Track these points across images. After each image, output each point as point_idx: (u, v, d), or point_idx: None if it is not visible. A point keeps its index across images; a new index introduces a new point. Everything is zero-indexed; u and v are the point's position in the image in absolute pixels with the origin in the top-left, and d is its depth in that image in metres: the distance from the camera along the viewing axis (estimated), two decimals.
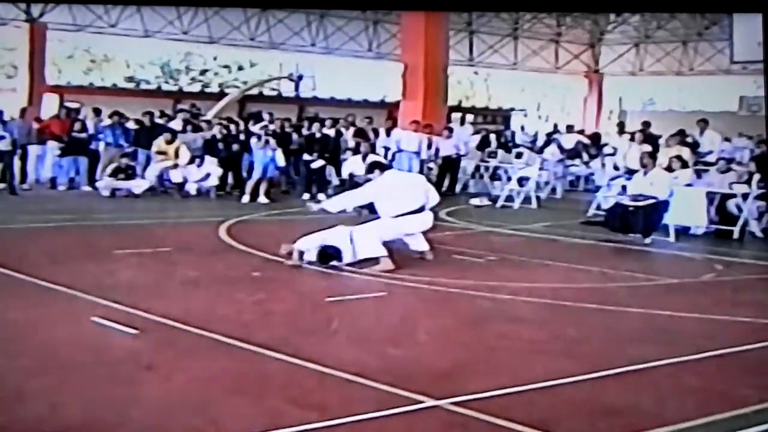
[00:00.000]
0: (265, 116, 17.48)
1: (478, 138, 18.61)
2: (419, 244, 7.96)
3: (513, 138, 20.07)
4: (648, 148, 12.81)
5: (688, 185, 11.16)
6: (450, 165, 16.61)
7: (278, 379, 4.33)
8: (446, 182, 16.46)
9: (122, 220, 10.74)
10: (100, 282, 6.46)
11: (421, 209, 7.82)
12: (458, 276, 7.26)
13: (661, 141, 14.12)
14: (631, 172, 11.90)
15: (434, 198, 8.09)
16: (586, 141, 19.04)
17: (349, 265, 7.50)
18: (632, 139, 14.31)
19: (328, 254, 7.48)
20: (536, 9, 18.69)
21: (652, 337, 5.46)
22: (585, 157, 18.32)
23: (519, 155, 16.73)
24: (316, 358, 4.53)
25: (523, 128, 21.62)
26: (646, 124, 15.89)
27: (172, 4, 19.48)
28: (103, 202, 12.83)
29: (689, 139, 14.30)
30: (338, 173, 15.04)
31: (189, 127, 15.39)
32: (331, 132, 15.88)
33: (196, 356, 4.65)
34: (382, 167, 8.16)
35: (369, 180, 8.21)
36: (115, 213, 11.36)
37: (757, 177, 11.05)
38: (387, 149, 16.58)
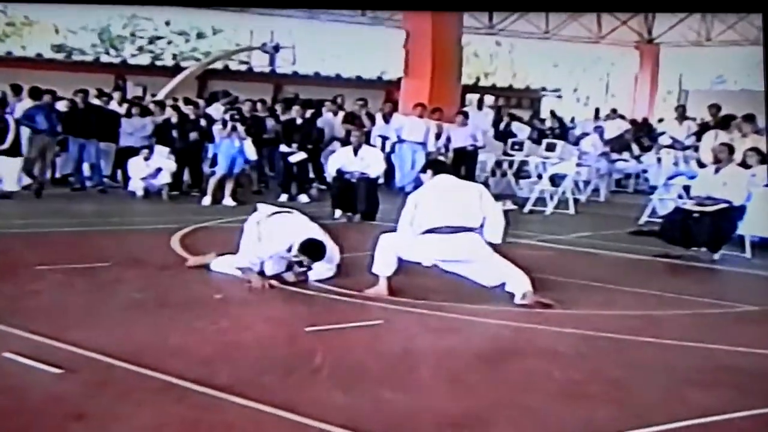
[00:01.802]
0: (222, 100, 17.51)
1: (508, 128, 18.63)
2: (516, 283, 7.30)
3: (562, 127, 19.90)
4: (724, 137, 12.81)
5: None
6: (464, 159, 16.64)
7: (245, 431, 4.28)
8: None
9: (47, 227, 10.71)
10: (16, 307, 6.41)
11: (459, 230, 7.33)
12: (473, 300, 7.21)
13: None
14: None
15: (495, 221, 7.45)
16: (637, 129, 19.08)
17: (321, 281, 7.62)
18: (724, 127, 14.28)
19: (317, 247, 7.56)
20: (538, 8, 18.83)
21: (721, 380, 5.43)
22: (635, 149, 18.36)
23: (551, 147, 16.76)
24: (293, 405, 4.49)
25: (553, 114, 21.70)
26: (715, 108, 15.89)
27: (175, 4, 19.72)
28: (22, 203, 12.80)
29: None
30: (318, 169, 15.07)
31: (135, 110, 15.40)
32: (310, 114, 15.91)
33: (139, 402, 4.60)
34: (438, 168, 7.89)
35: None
36: (38, 218, 11.33)
37: None
38: (385, 139, 16.63)
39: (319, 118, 16.58)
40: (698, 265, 9.84)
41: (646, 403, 4.93)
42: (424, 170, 7.91)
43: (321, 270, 7.84)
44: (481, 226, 7.43)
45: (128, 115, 15.39)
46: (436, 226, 7.33)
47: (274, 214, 8.06)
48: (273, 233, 7.78)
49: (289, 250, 7.65)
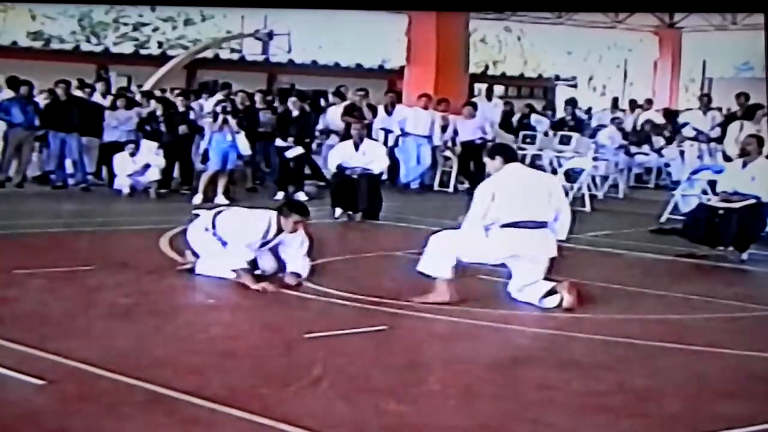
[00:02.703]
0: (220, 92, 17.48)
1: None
2: (533, 289, 7.30)
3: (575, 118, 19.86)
4: (751, 128, 12.81)
5: None
6: (473, 153, 16.62)
7: None
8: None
9: (26, 228, 10.70)
10: None
11: (539, 225, 7.27)
12: (484, 303, 7.22)
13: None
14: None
15: (566, 217, 7.47)
16: (661, 120, 19.05)
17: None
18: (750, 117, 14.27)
19: (300, 203, 8.14)
20: (538, 8, 18.86)
21: (752, 389, 5.41)
22: (657, 142, 18.35)
23: (565, 140, 16.74)
24: (291, 417, 4.48)
25: (570, 102, 21.71)
26: (744, 97, 15.85)
27: (173, 4, 19.81)
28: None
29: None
30: (312, 165, 15.04)
31: (120, 102, 15.40)
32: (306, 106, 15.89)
33: (126, 415, 4.60)
34: (508, 156, 7.58)
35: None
36: (18, 218, 11.32)
37: None
38: (388, 132, 16.60)
39: (326, 109, 16.60)
40: (725, 265, 9.81)
41: (671, 413, 4.91)
42: (491, 156, 7.57)
43: (301, 262, 7.89)
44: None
45: (113, 107, 15.39)
46: (518, 219, 7.20)
47: (219, 213, 8.18)
48: (243, 226, 7.89)
49: (267, 233, 7.75)
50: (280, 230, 7.76)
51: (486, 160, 7.69)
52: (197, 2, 17.39)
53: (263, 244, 7.85)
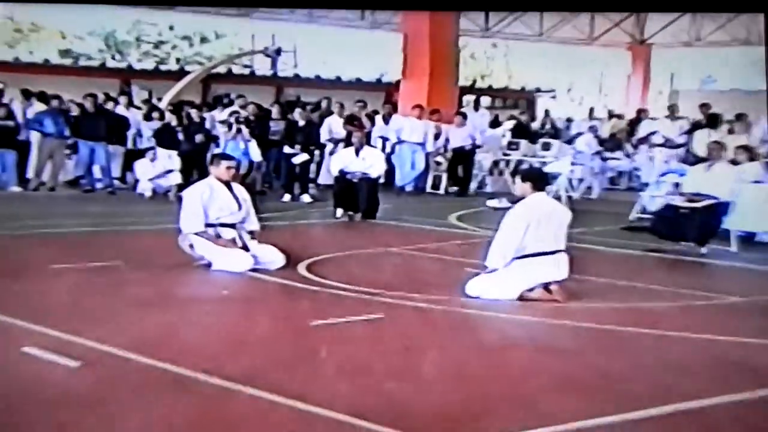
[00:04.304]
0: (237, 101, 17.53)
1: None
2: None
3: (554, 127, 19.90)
4: (715, 135, 12.95)
5: (757, 182, 11.18)
6: (462, 159, 16.73)
7: (253, 420, 4.35)
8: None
9: (59, 227, 10.75)
10: (33, 304, 6.49)
11: (554, 252, 7.22)
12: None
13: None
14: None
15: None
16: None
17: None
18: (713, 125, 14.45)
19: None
20: (538, 8, 18.90)
21: (710, 369, 5.51)
22: (628, 148, 18.44)
23: (546, 146, 16.81)
24: (300, 395, 4.56)
25: (548, 113, 21.80)
26: (706, 107, 15.98)
27: (172, 4, 19.80)
28: (35, 204, 12.85)
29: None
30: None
31: (156, 114, 15.51)
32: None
33: (150, 393, 4.68)
34: (537, 183, 7.33)
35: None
36: (51, 219, 11.38)
37: None
38: (385, 140, 16.68)
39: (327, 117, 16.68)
40: (687, 259, 9.90)
41: (638, 391, 4.97)
42: (523, 179, 7.35)
43: (254, 217, 8.41)
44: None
45: (148, 118, 15.49)
46: (542, 250, 7.16)
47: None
48: (186, 194, 8.36)
49: (212, 190, 8.17)
50: (228, 185, 8.20)
51: (516, 179, 7.49)
52: (196, 2, 17.32)
53: (239, 207, 8.24)
